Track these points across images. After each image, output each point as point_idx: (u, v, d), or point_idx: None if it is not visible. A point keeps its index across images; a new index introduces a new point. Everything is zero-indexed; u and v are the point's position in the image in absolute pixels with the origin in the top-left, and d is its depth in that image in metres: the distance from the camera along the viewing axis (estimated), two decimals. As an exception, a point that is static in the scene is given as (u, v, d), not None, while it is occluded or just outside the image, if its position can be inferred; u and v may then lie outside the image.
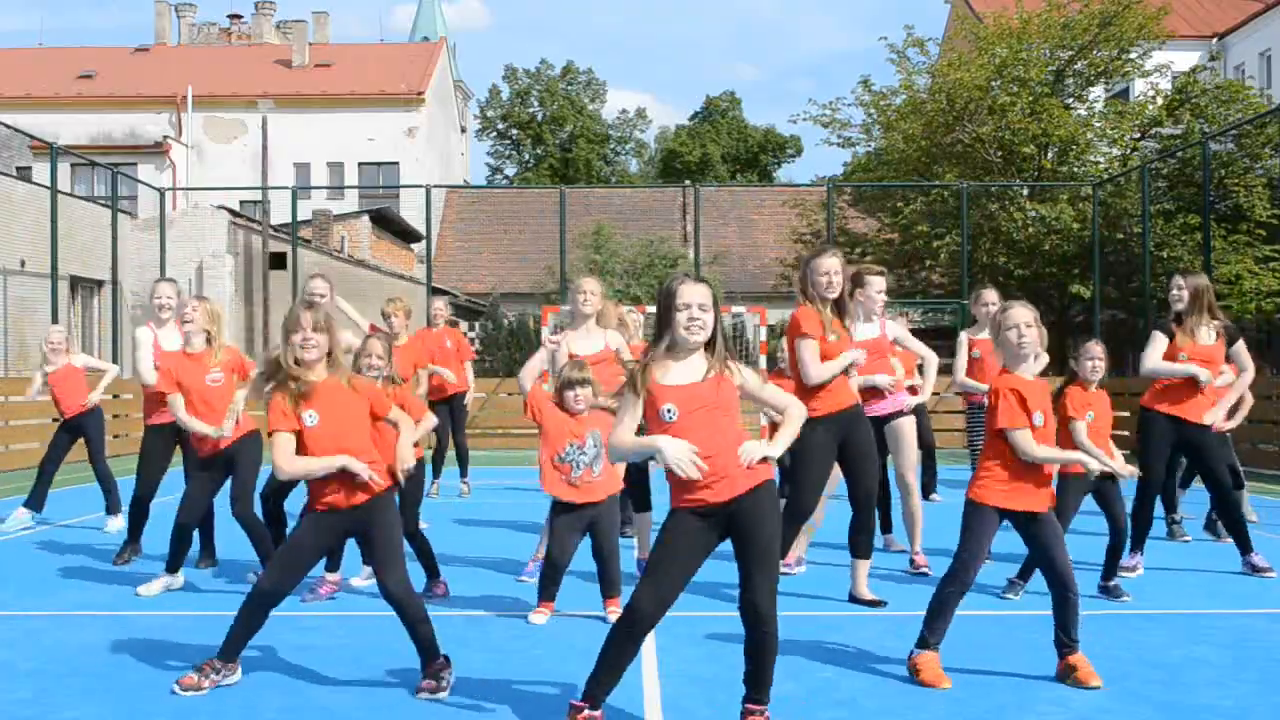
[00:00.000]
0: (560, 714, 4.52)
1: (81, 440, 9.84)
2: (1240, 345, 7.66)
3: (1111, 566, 6.74)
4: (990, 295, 9.16)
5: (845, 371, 6.25)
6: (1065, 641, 4.95)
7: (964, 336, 9.31)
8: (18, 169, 26.32)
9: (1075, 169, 25.56)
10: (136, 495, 7.92)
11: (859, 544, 6.50)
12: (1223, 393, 7.62)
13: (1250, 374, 7.77)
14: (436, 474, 11.63)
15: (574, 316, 7.31)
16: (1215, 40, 37.09)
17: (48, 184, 17.30)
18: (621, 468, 6.33)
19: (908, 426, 7.44)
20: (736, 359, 4.19)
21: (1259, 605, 6.63)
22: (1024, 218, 24.21)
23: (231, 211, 27.19)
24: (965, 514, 5.04)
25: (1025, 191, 25.16)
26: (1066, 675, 4.92)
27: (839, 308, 6.23)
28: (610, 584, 6.18)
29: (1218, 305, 7.58)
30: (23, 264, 20.44)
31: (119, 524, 9.38)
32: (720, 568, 7.41)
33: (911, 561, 7.53)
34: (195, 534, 7.26)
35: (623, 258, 31.78)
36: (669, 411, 4.08)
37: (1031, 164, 25.61)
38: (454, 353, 11.19)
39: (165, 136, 42.20)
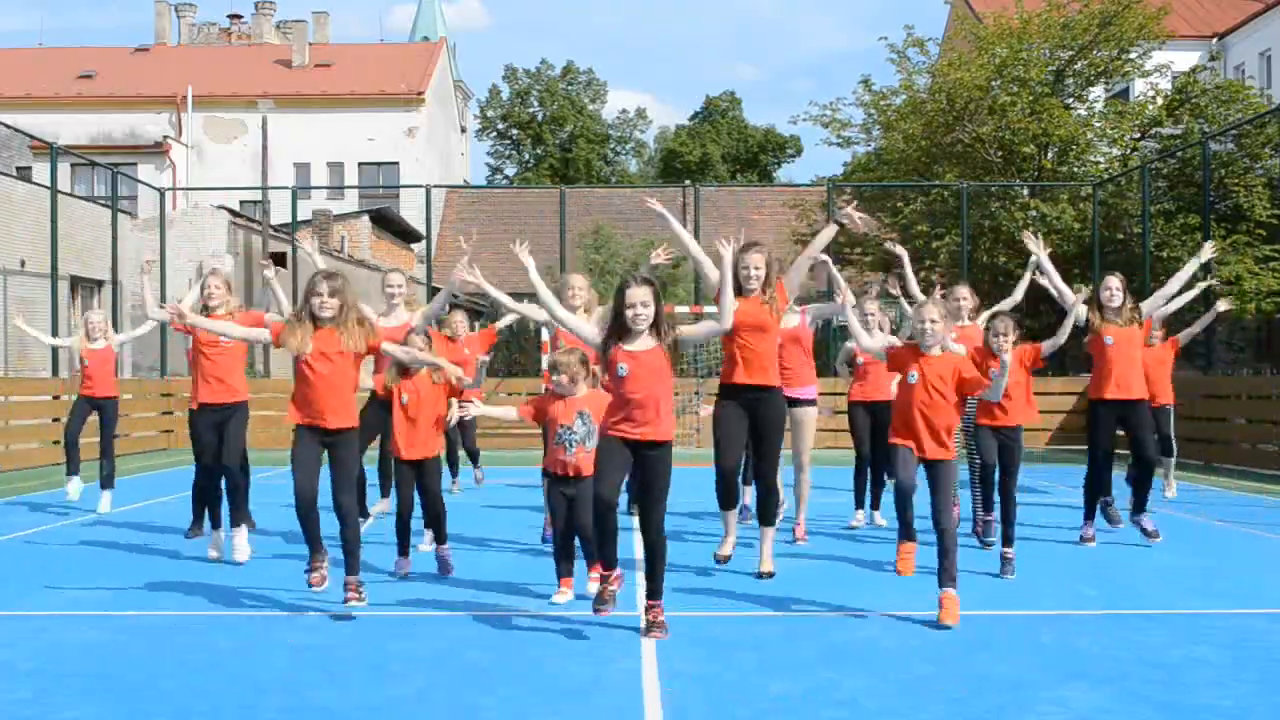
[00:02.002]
0: (560, 714, 4.53)
1: (95, 422, 10.60)
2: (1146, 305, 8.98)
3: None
4: (963, 290, 9.52)
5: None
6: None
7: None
8: (18, 169, 26.34)
9: (1075, 169, 25.53)
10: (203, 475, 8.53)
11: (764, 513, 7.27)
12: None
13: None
14: (455, 473, 12.30)
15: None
16: (1215, 40, 37.08)
17: (48, 184, 17.30)
18: None
19: (809, 414, 8.32)
20: (673, 329, 5.66)
21: (1259, 605, 6.63)
22: (1024, 217, 24.20)
23: (231, 211, 27.23)
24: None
25: (1025, 191, 25.15)
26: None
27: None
28: (590, 554, 6.52)
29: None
30: (23, 264, 20.45)
31: (107, 504, 10.47)
32: (722, 566, 7.43)
33: (792, 533, 8.56)
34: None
35: (624, 258, 31.78)
36: (622, 368, 5.60)
37: (1031, 164, 25.60)
38: (473, 358, 11.36)
39: (165, 136, 42.22)
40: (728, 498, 7.27)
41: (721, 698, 4.72)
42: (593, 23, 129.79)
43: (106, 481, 10.66)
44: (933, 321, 6.30)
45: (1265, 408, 15.78)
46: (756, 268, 7.06)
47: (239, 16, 54.32)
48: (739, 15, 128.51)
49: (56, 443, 15.84)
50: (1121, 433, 8.63)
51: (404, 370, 7.18)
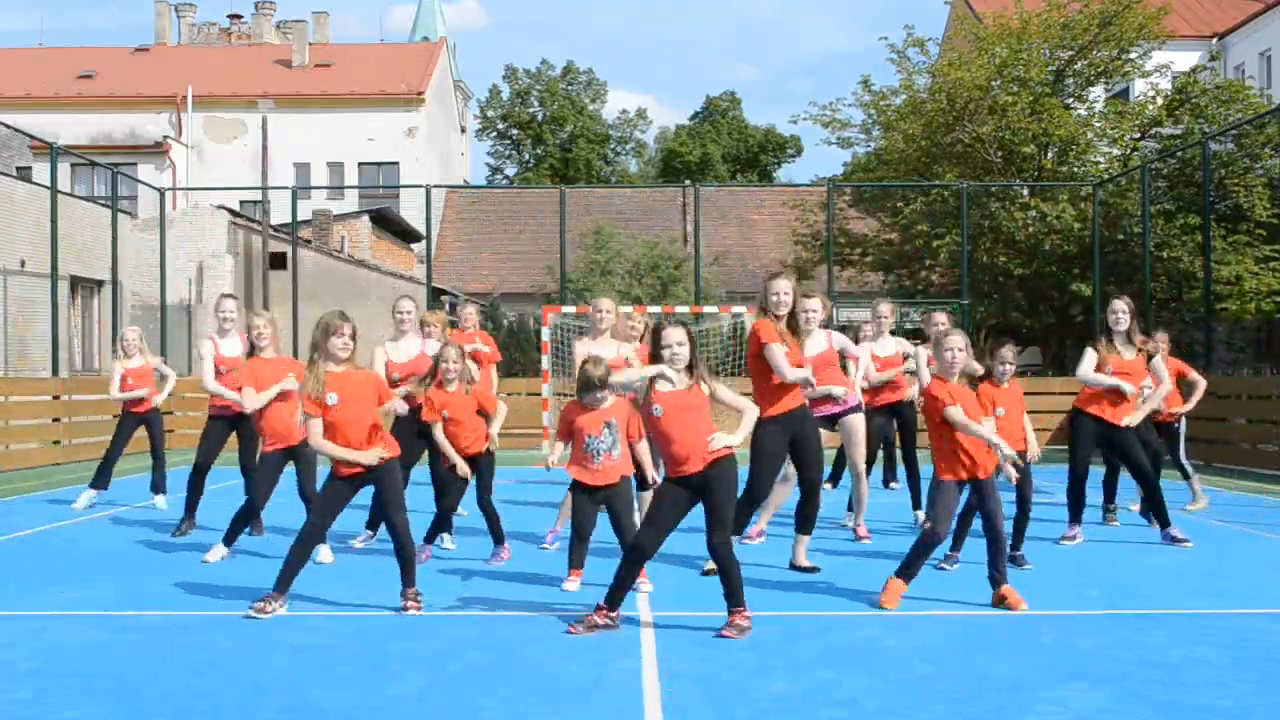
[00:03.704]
0: (560, 714, 4.53)
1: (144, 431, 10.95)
2: (1158, 361, 8.87)
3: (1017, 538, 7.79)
4: (940, 317, 9.70)
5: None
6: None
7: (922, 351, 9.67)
8: (18, 169, 26.31)
9: (1075, 169, 25.53)
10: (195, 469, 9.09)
11: (803, 521, 7.53)
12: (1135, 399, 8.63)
13: (1166, 386, 9.02)
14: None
15: (593, 330, 8.41)
16: (1215, 40, 37.08)
17: (48, 184, 17.30)
18: (629, 457, 7.02)
19: (857, 422, 8.53)
20: (710, 376, 5.97)
21: (1259, 605, 6.63)
22: (1024, 217, 24.21)
23: (231, 211, 27.19)
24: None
25: (1025, 191, 25.15)
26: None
27: (791, 323, 7.33)
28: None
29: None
30: (23, 264, 20.45)
31: (163, 502, 10.81)
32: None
33: (855, 533, 8.96)
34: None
35: (626, 259, 31.76)
36: (658, 409, 5.84)
37: (1031, 164, 25.60)
38: (485, 356, 11.51)
39: (165, 136, 42.21)
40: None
41: (721, 698, 4.72)
42: (593, 23, 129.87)
43: (157, 484, 10.96)
44: (960, 349, 6.58)
45: (1265, 408, 15.79)
46: (786, 292, 7.38)
47: (239, 16, 54.31)
48: (739, 15, 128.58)
49: (57, 443, 15.88)
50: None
51: (433, 376, 7.74)
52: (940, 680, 5.00)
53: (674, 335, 5.92)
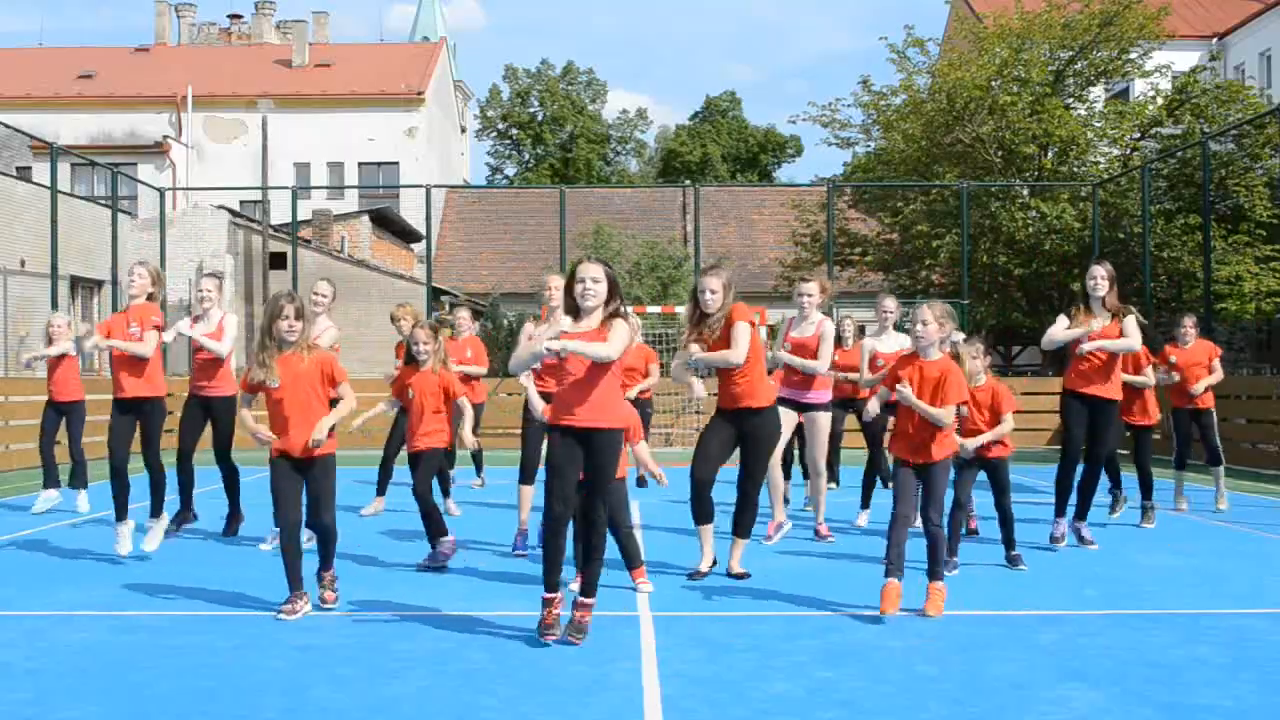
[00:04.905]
0: (560, 714, 4.52)
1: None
2: (1130, 321, 8.32)
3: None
4: (889, 302, 9.79)
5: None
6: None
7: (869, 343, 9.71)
8: (18, 169, 26.33)
9: (1075, 169, 25.53)
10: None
11: (738, 525, 7.26)
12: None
13: (1128, 341, 8.39)
14: (479, 470, 12.79)
15: (542, 309, 8.20)
16: (1215, 40, 37.08)
17: (48, 184, 17.29)
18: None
19: (822, 420, 8.60)
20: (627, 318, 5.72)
21: (1259, 605, 6.63)
22: (1024, 217, 24.20)
23: (231, 211, 27.23)
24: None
25: (1025, 191, 25.14)
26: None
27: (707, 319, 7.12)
28: (631, 556, 6.84)
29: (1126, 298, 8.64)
30: (23, 264, 20.45)
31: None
32: (717, 570, 7.43)
33: (816, 532, 8.85)
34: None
35: (626, 259, 31.75)
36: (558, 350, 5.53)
37: (1032, 164, 25.60)
38: (474, 361, 11.70)
39: (165, 136, 42.20)
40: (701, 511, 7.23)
41: (721, 698, 4.72)
42: (593, 23, 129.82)
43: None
44: (924, 323, 6.40)
45: (1265, 408, 15.79)
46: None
47: (239, 16, 54.30)
48: (738, 15, 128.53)
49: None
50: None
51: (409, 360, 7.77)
52: (940, 680, 5.00)
53: (589, 270, 5.65)
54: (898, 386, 6.29)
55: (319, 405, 6.26)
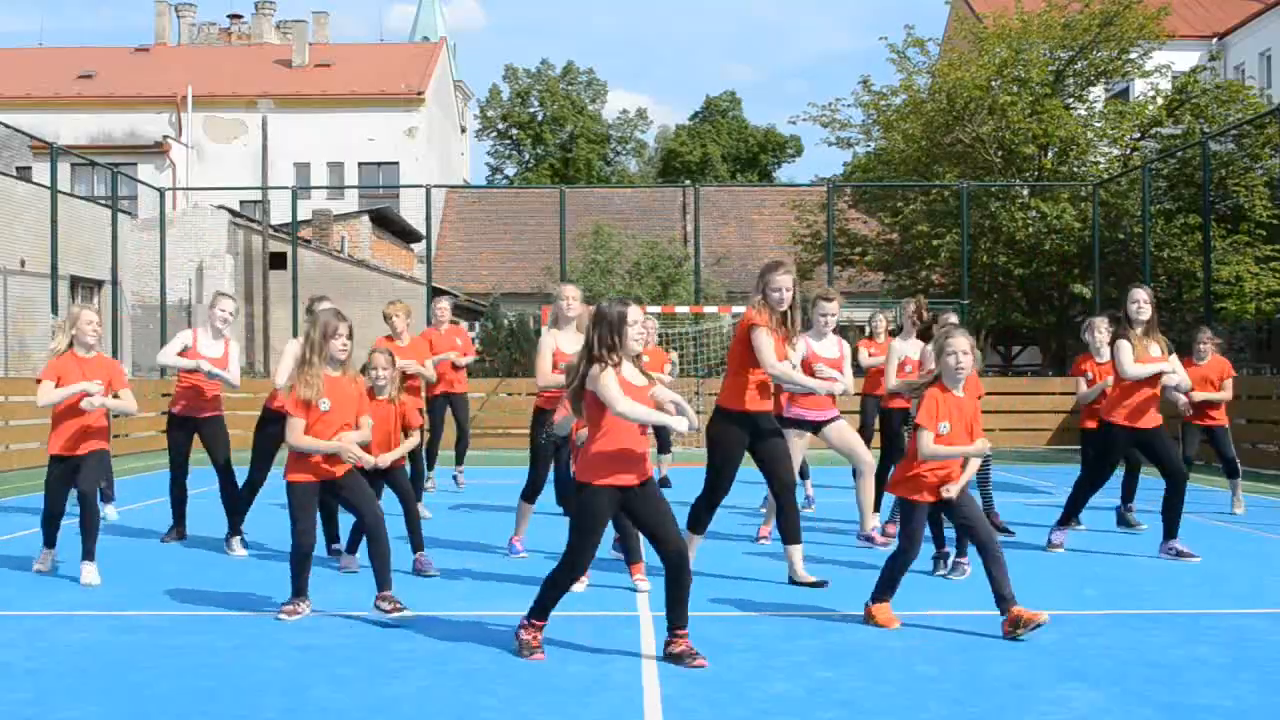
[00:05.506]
0: (560, 714, 4.52)
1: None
2: (1174, 360, 8.18)
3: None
4: (951, 317, 9.51)
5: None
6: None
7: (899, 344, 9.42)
8: (18, 169, 26.31)
9: (1075, 169, 25.53)
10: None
11: (787, 532, 7.08)
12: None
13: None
14: (430, 467, 11.96)
15: (559, 319, 8.10)
16: (1215, 40, 37.08)
17: (48, 184, 17.28)
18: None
19: (843, 429, 8.24)
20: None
21: (1259, 605, 6.63)
22: (1024, 217, 24.20)
23: (231, 211, 27.22)
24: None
25: (1025, 191, 25.14)
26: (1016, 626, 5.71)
27: (784, 319, 6.82)
28: (631, 551, 6.89)
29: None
30: (23, 264, 20.45)
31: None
32: (718, 570, 7.43)
33: (871, 538, 8.54)
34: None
35: (626, 259, 31.75)
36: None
37: (1032, 164, 25.60)
38: (461, 351, 11.98)
39: (165, 136, 42.22)
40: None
41: (721, 698, 4.72)
42: (593, 23, 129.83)
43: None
44: (964, 353, 5.99)
45: (1265, 408, 15.79)
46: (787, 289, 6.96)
47: (239, 16, 54.32)
48: (738, 15, 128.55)
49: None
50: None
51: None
52: (940, 680, 5.00)
53: (636, 314, 5.31)
54: (942, 492, 5.90)
55: (350, 429, 6.16)
